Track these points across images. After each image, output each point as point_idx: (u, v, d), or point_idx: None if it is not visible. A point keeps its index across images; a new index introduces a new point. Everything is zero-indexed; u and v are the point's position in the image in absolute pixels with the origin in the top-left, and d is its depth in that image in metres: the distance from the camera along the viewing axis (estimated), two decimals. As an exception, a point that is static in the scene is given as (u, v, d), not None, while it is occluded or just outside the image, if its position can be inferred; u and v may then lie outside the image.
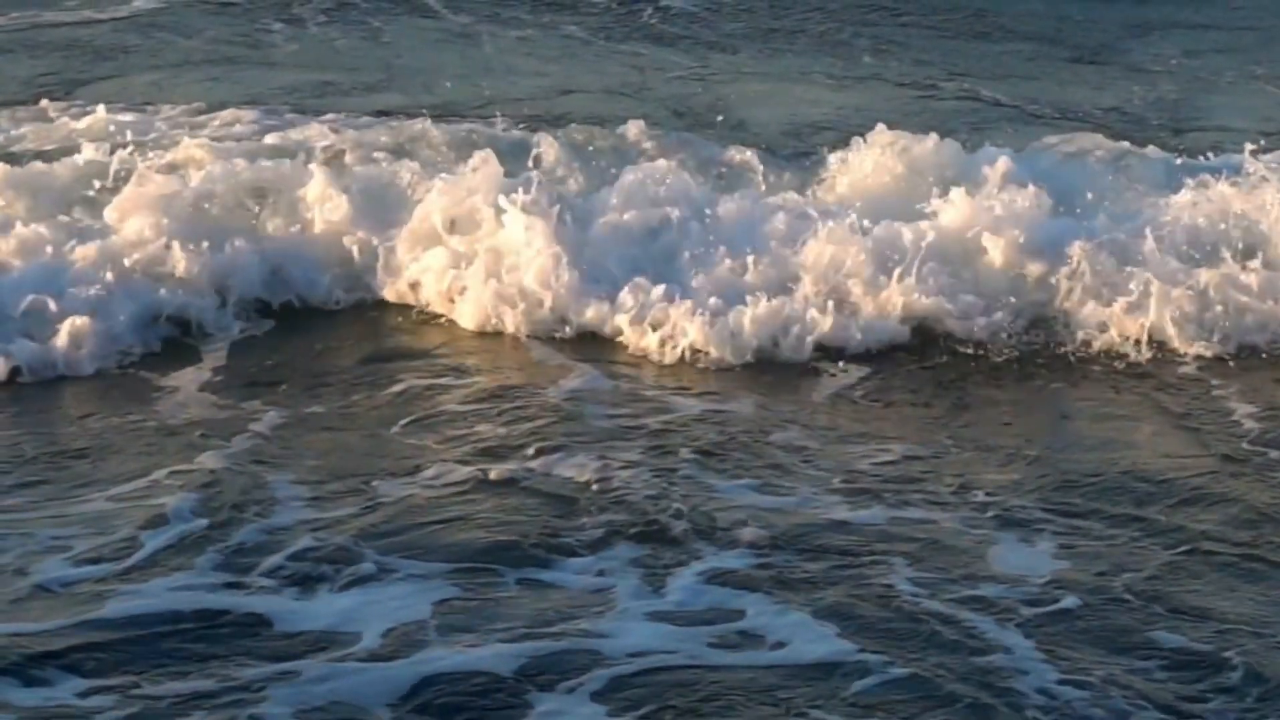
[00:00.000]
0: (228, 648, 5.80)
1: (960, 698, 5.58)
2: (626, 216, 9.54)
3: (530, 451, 7.51)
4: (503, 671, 5.66)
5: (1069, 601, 6.22)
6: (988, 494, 7.17)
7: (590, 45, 16.81)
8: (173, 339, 8.92)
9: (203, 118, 12.46)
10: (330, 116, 12.45)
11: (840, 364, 8.70)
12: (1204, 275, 9.14)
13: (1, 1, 16.69)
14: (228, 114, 12.45)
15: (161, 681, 5.58)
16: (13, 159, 10.61)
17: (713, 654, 5.83)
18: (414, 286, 9.42)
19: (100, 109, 12.26)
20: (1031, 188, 9.59)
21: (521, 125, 12.56)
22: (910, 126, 13.31)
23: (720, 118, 13.55)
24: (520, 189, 9.43)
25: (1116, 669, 5.76)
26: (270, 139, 11.29)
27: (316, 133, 11.38)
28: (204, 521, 6.72)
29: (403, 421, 7.90)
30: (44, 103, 12.73)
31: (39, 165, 10.20)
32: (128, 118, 12.25)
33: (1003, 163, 9.88)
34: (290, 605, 6.10)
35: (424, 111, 12.37)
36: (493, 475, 7.22)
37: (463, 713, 5.49)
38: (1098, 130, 13.20)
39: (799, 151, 11.50)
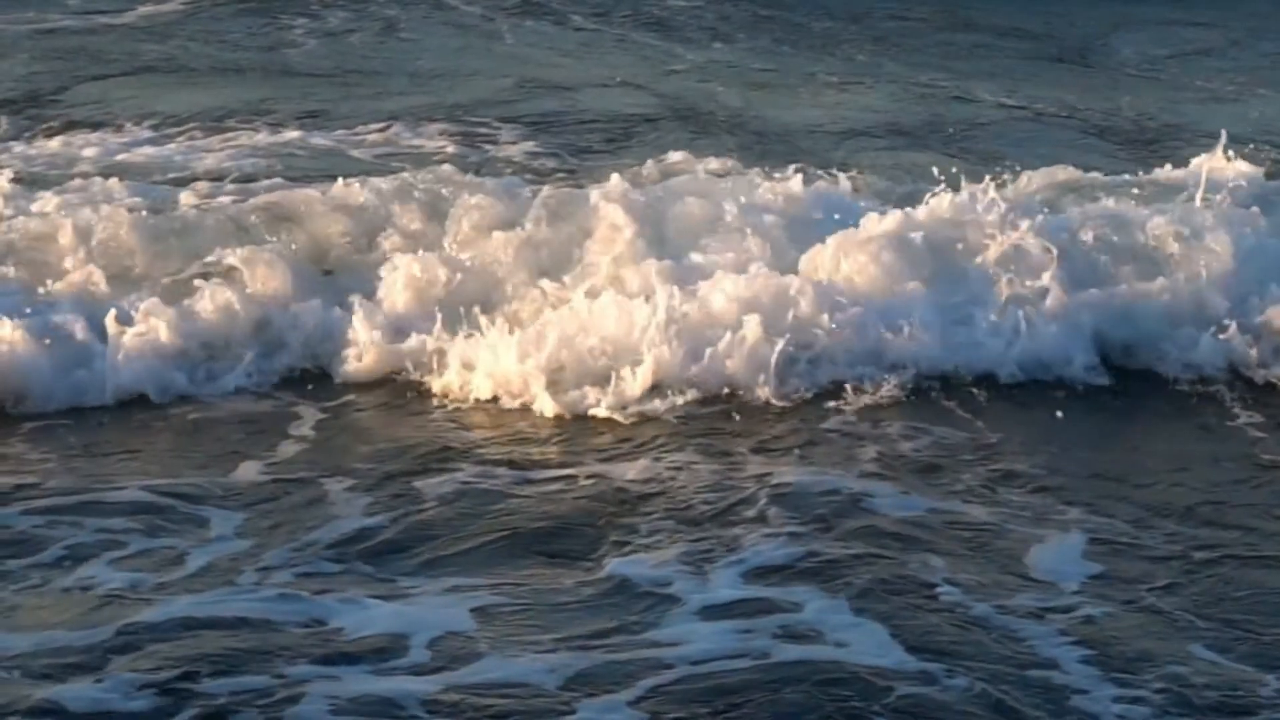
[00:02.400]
0: (273, 652, 5.61)
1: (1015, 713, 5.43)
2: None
3: (578, 449, 7.36)
4: (550, 675, 5.47)
5: (1110, 608, 6.06)
6: (1027, 491, 7.06)
7: (601, 36, 16.77)
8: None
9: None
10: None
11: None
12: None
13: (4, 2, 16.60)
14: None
15: (207, 683, 5.39)
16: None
17: (763, 654, 5.62)
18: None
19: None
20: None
21: (540, 127, 12.51)
22: (910, 126, 13.29)
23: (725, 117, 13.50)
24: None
25: (1162, 678, 5.59)
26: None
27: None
28: (248, 527, 6.58)
29: (449, 421, 7.77)
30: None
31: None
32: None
33: None
34: (336, 609, 5.91)
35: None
36: (539, 475, 7.09)
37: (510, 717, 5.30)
38: (1092, 129, 13.22)
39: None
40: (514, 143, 12.49)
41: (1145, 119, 13.99)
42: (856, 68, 15.91)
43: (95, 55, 15.10)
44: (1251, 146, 11.46)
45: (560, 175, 11.35)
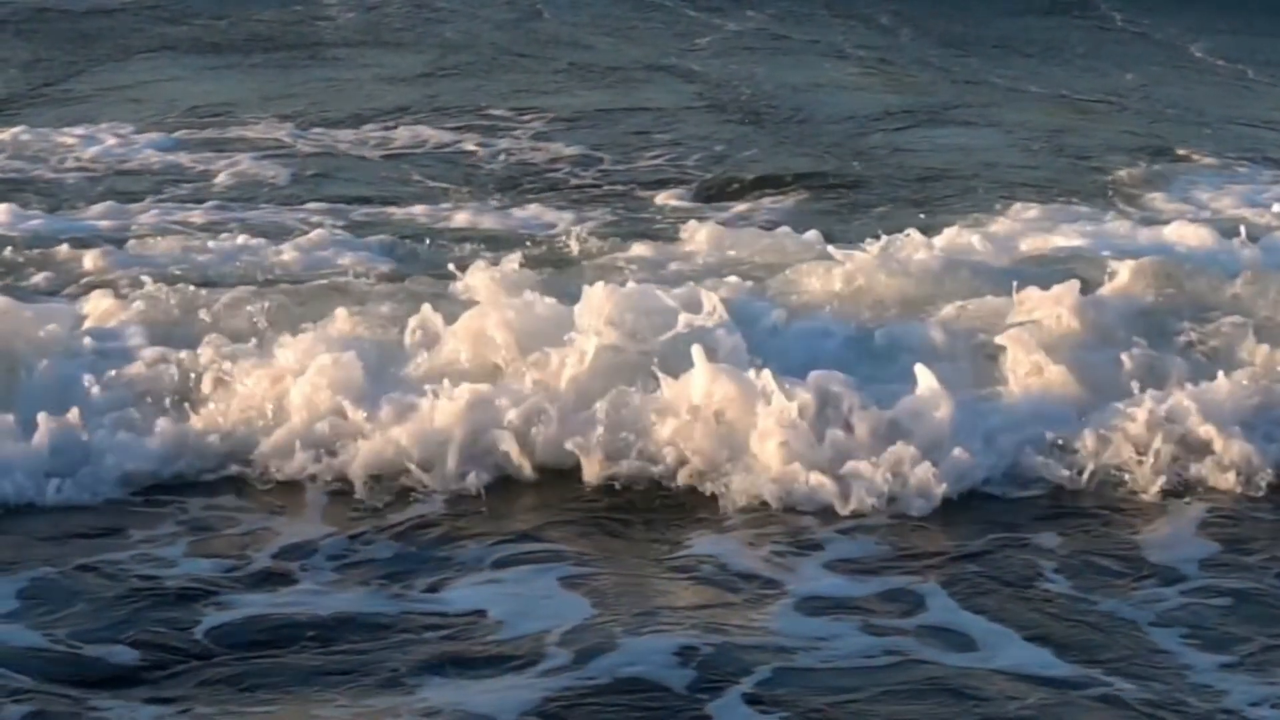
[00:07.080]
0: (377, 644, 5.26)
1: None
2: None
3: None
4: (661, 666, 5.08)
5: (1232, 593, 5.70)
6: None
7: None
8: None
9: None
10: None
11: None
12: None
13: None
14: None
15: (302, 690, 5.02)
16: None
17: (871, 649, 5.25)
18: None
19: None
20: None
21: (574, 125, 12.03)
22: (940, 114, 12.88)
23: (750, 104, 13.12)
24: None
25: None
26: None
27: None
28: (334, 523, 6.20)
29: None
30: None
31: None
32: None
33: None
34: (437, 600, 5.56)
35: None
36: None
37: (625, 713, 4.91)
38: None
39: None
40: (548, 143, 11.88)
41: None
42: (881, 33, 15.64)
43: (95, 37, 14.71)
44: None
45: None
